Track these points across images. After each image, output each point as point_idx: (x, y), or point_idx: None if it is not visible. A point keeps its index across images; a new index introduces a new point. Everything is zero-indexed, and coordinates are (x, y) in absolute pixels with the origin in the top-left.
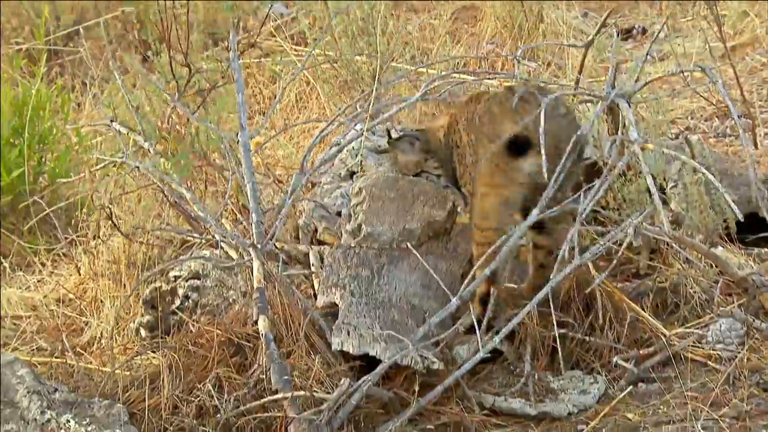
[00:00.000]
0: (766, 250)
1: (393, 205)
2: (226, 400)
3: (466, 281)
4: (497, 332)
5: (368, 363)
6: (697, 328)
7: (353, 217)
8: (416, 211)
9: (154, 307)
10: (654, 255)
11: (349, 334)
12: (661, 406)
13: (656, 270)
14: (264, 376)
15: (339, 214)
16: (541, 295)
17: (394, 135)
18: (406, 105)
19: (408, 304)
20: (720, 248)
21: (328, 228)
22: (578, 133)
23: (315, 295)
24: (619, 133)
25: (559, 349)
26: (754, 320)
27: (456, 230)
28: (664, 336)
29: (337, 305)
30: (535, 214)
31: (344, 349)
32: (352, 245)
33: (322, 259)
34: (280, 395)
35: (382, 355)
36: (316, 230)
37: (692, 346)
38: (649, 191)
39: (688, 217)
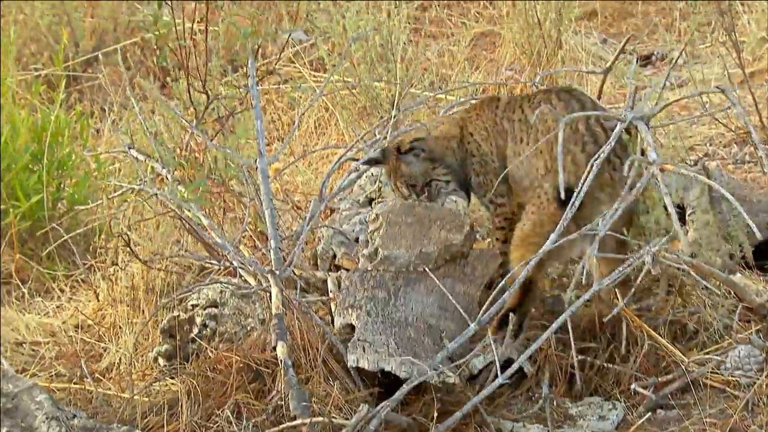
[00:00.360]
0: None
1: (410, 230)
2: (244, 427)
3: (485, 306)
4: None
5: (386, 389)
6: (716, 355)
7: (370, 243)
8: (433, 234)
9: (173, 336)
10: (672, 282)
11: (364, 350)
12: None
13: (675, 297)
14: (283, 402)
15: (358, 240)
16: (560, 320)
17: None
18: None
19: (425, 324)
20: (738, 275)
21: (347, 254)
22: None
23: (333, 322)
24: (638, 154)
25: (578, 375)
26: None
27: (473, 254)
28: (683, 363)
29: (353, 327)
30: (552, 239)
31: (360, 365)
32: (369, 269)
33: (340, 285)
34: (298, 421)
35: (397, 370)
36: (334, 256)
37: (711, 372)
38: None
39: (705, 244)
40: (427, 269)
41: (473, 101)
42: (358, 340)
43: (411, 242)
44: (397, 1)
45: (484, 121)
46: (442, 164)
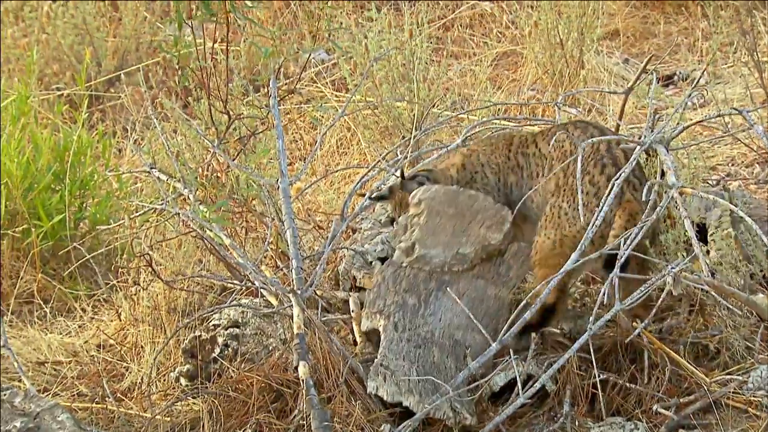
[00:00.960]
0: None
1: (450, 224)
2: None
3: (506, 324)
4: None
5: (408, 408)
6: (738, 375)
7: (409, 230)
8: (472, 231)
9: (194, 356)
10: (694, 302)
11: (385, 379)
12: None
13: (696, 317)
14: (304, 422)
15: (380, 260)
16: (582, 341)
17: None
18: (446, 151)
19: (451, 340)
20: (760, 295)
21: (367, 274)
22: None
23: (355, 341)
24: (658, 177)
25: (600, 395)
26: None
27: (511, 251)
28: (705, 383)
29: (376, 346)
30: (574, 258)
31: (379, 394)
32: (404, 264)
33: (361, 305)
34: None
35: (415, 408)
36: (355, 278)
37: (733, 393)
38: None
39: (727, 264)
40: (461, 270)
41: (489, 133)
42: (381, 365)
43: (449, 239)
44: (419, 21)
45: (498, 156)
46: None
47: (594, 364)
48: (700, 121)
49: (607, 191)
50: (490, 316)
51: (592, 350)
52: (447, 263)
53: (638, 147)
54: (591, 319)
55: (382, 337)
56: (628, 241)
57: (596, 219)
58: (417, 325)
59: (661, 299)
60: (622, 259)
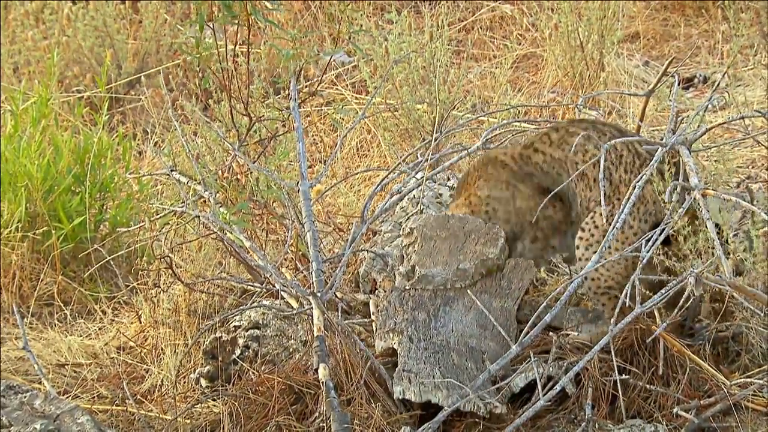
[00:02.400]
0: None
1: (445, 245)
2: None
3: (526, 327)
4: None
5: (429, 411)
6: (758, 378)
7: (406, 258)
8: (468, 249)
9: (215, 357)
10: (716, 304)
11: (410, 382)
12: None
13: (717, 319)
14: (324, 425)
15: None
16: (602, 342)
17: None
18: (467, 154)
19: (466, 346)
20: None
21: (387, 276)
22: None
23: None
24: (680, 179)
25: (621, 397)
26: None
27: (509, 266)
28: (725, 385)
29: (395, 350)
30: (595, 260)
31: (406, 397)
32: (407, 287)
33: (378, 307)
34: None
35: (444, 402)
36: (375, 281)
37: (753, 395)
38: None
39: (750, 267)
40: (468, 291)
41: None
42: (403, 370)
43: (447, 258)
44: (439, 24)
45: (499, 176)
46: None
47: (615, 366)
48: (722, 123)
49: (628, 193)
50: (500, 326)
51: (613, 352)
52: (449, 280)
53: (661, 148)
54: (612, 321)
55: (399, 351)
56: (650, 243)
57: (617, 222)
58: (431, 336)
59: (682, 300)
60: (644, 260)
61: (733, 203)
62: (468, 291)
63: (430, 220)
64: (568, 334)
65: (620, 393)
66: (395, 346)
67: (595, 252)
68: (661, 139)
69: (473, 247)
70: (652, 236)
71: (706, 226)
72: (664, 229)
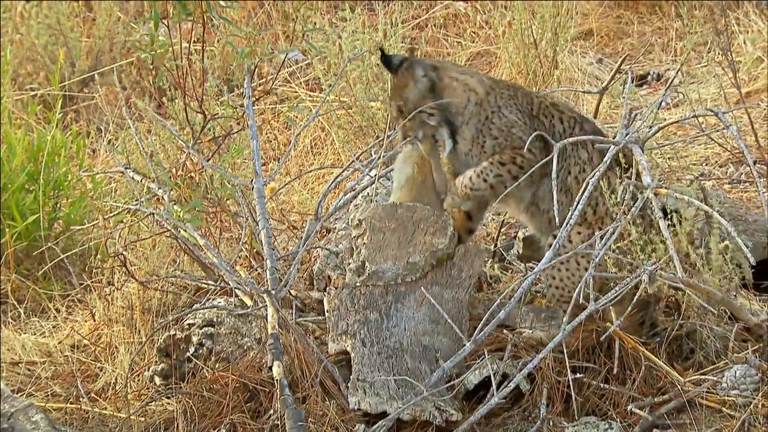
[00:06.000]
0: None
1: (394, 237)
2: None
3: (480, 324)
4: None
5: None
6: (712, 375)
7: (356, 252)
8: (418, 240)
9: (169, 355)
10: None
11: (365, 393)
12: None
13: (671, 316)
14: (279, 422)
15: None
16: (556, 340)
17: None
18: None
19: (419, 346)
20: (734, 295)
21: (341, 275)
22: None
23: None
24: (632, 178)
25: (574, 395)
26: None
27: (458, 254)
28: (679, 383)
29: (348, 352)
30: (548, 257)
31: (362, 408)
32: (357, 284)
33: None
34: None
35: (401, 413)
36: (330, 278)
37: (707, 392)
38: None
39: (703, 263)
40: (414, 280)
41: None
42: (357, 379)
43: (397, 252)
44: (393, 21)
45: (520, 104)
46: (439, 99)
47: (567, 364)
48: (676, 122)
49: (580, 191)
50: (452, 319)
51: (565, 351)
52: (399, 275)
53: (613, 147)
54: (565, 319)
55: (352, 356)
56: (603, 241)
57: (570, 218)
58: (383, 338)
59: (635, 297)
60: (597, 259)
61: (686, 201)
62: (420, 286)
63: (379, 210)
64: (522, 332)
65: (574, 391)
66: (348, 350)
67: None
68: (614, 137)
69: (422, 237)
70: (604, 234)
71: (657, 225)
72: (617, 228)
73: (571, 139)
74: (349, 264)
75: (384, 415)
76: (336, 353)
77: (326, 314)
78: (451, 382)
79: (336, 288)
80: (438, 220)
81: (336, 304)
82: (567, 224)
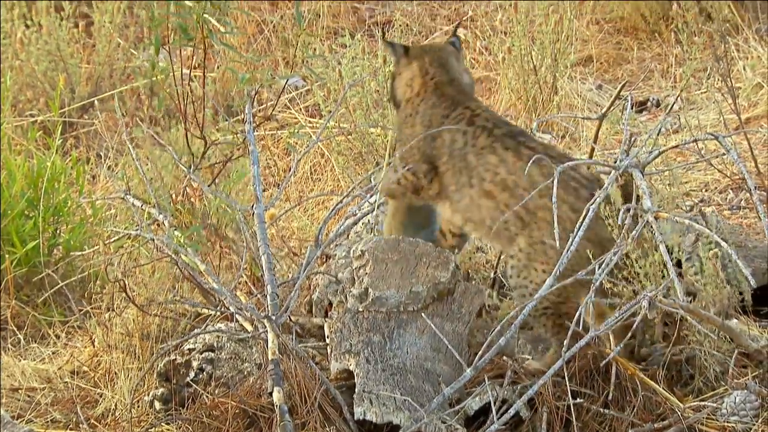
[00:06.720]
0: None
1: (397, 268)
2: None
3: (480, 351)
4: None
5: (398, 426)
6: (712, 401)
7: (358, 281)
8: (420, 272)
9: (168, 380)
10: (668, 327)
11: (371, 403)
12: None
13: (671, 342)
14: None
15: None
16: (556, 366)
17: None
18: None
19: (422, 369)
20: (734, 321)
21: (342, 302)
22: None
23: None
24: (633, 202)
25: (574, 421)
26: None
27: (458, 290)
28: (679, 408)
29: (350, 372)
30: (548, 283)
31: (367, 418)
32: (360, 309)
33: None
34: None
35: (405, 424)
36: (330, 304)
37: (706, 418)
38: (665, 263)
39: (702, 290)
40: (422, 314)
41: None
42: (363, 391)
43: (400, 281)
44: None
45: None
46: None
47: (568, 390)
48: (676, 146)
49: (582, 217)
50: (453, 348)
51: (566, 376)
52: (402, 303)
53: (613, 171)
54: (565, 344)
55: (356, 372)
56: (603, 265)
57: (570, 245)
58: (387, 358)
59: (635, 325)
60: (597, 283)
61: (686, 226)
62: (422, 315)
63: (381, 242)
64: (522, 359)
65: (574, 417)
66: (352, 368)
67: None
68: (614, 162)
69: (425, 270)
70: (604, 260)
71: (657, 249)
72: (616, 252)
73: (570, 163)
74: (351, 291)
75: (389, 425)
76: (337, 375)
77: (327, 339)
78: (453, 408)
79: (338, 312)
80: (440, 256)
81: (338, 326)
82: (567, 250)
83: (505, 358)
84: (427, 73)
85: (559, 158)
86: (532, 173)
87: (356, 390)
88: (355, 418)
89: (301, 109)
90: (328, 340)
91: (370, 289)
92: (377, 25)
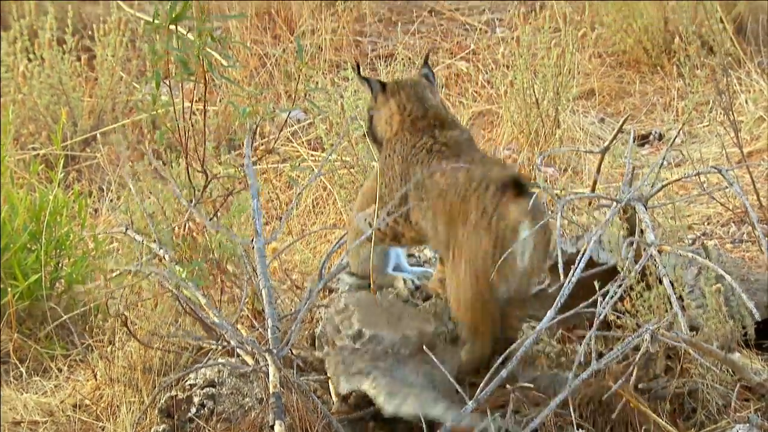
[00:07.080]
0: None
1: (383, 317)
2: None
3: (482, 383)
4: None
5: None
6: None
7: (345, 328)
8: (406, 323)
9: (170, 416)
10: (671, 360)
11: (405, 399)
12: None
13: (673, 375)
14: None
15: None
16: (561, 397)
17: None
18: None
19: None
20: (737, 354)
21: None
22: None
23: (331, 401)
24: (636, 236)
25: None
26: None
27: (439, 348)
28: None
29: (353, 405)
30: (549, 316)
31: (403, 411)
32: (358, 347)
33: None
34: None
35: (445, 417)
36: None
37: None
38: (668, 297)
39: (705, 323)
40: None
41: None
42: (389, 394)
43: (389, 325)
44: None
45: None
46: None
47: (573, 422)
48: (679, 179)
49: (587, 239)
50: (448, 387)
51: (571, 408)
52: (396, 344)
53: (615, 204)
54: (570, 377)
55: (373, 386)
56: (606, 299)
57: (572, 275)
58: (396, 378)
59: (637, 358)
60: (601, 316)
61: (688, 260)
62: (428, 352)
63: (363, 295)
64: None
65: None
66: (366, 387)
67: None
68: (617, 196)
69: (410, 321)
70: (608, 292)
71: (661, 282)
72: (621, 285)
73: (573, 196)
74: (343, 335)
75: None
76: (338, 411)
77: (328, 372)
78: None
79: (336, 348)
80: (420, 315)
81: (340, 359)
82: (569, 281)
83: (507, 386)
84: (405, 108)
85: (499, 166)
86: (458, 180)
87: (384, 392)
88: (389, 411)
89: (303, 142)
90: (328, 372)
91: (364, 329)
92: (379, 58)
